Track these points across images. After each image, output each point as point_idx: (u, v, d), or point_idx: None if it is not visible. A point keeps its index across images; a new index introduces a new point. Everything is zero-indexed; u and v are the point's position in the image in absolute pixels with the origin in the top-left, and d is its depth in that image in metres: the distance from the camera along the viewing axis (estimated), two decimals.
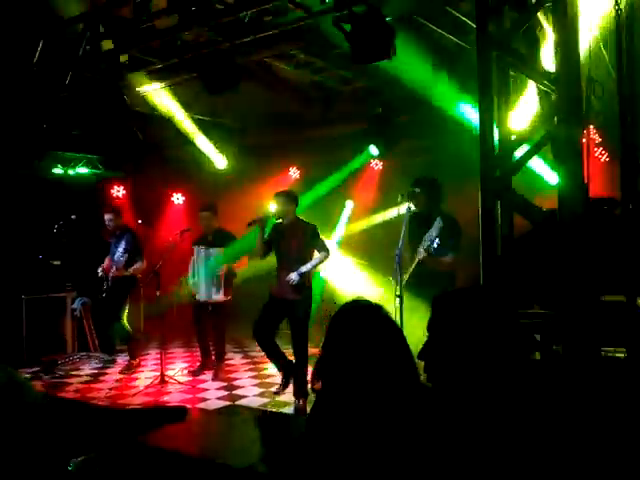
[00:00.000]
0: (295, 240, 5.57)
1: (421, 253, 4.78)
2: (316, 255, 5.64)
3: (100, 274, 7.14)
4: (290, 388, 5.59)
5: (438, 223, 4.72)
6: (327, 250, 5.66)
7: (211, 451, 2.77)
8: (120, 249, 6.85)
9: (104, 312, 7.24)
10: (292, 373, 5.56)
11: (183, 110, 7.90)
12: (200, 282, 6.52)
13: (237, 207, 9.62)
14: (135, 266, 6.93)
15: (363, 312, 1.79)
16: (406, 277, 4.87)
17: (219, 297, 6.47)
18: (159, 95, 6.95)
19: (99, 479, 3.19)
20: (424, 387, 1.76)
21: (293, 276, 5.46)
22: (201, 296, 6.54)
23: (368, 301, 1.85)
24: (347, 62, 5.90)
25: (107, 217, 7.11)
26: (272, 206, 5.76)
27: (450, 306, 1.62)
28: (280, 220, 5.62)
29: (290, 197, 5.65)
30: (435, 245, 4.71)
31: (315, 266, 5.68)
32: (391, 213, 6.89)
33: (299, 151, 9.27)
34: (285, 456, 2.39)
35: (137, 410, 4.97)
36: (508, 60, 3.30)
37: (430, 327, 1.61)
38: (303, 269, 5.50)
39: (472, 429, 1.51)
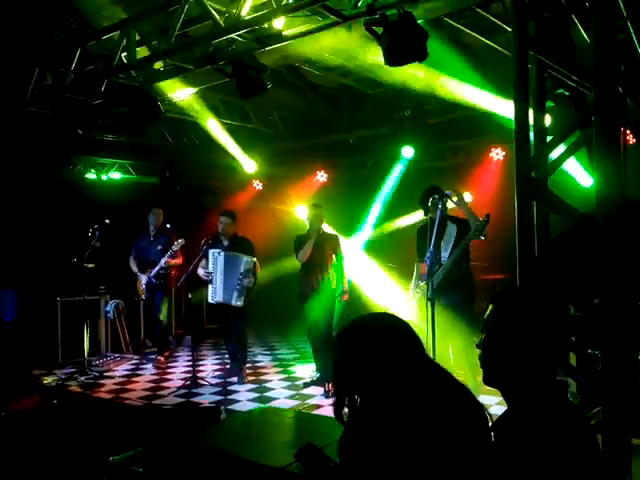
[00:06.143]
0: (328, 247, 6.19)
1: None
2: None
3: (144, 279, 7.49)
4: (319, 390, 5.95)
5: (451, 227, 5.24)
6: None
7: (245, 450, 2.78)
8: (159, 248, 7.42)
9: (152, 311, 7.62)
10: None
11: (213, 115, 7.97)
12: (218, 286, 6.42)
13: (266, 211, 9.73)
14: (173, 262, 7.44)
15: (379, 328, 1.81)
16: (423, 285, 5.21)
17: (239, 303, 6.38)
18: (190, 100, 7.03)
19: (137, 476, 3.25)
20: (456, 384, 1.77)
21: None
22: (217, 299, 6.46)
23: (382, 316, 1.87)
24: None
25: (154, 215, 7.59)
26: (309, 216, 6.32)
27: (513, 302, 1.65)
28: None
29: (322, 209, 6.27)
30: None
31: None
32: (416, 217, 7.02)
33: (327, 154, 9.30)
34: (316, 458, 2.39)
35: (173, 410, 5.04)
36: (544, 60, 3.26)
37: (491, 321, 1.63)
38: None
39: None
